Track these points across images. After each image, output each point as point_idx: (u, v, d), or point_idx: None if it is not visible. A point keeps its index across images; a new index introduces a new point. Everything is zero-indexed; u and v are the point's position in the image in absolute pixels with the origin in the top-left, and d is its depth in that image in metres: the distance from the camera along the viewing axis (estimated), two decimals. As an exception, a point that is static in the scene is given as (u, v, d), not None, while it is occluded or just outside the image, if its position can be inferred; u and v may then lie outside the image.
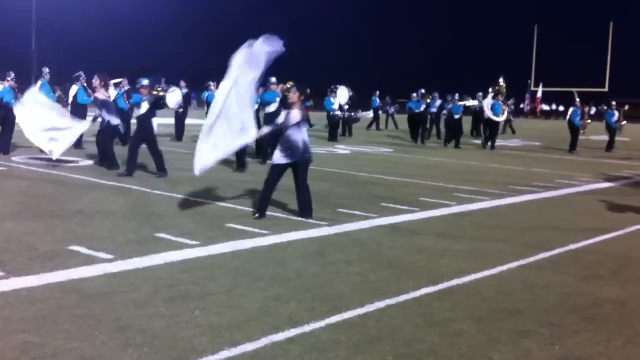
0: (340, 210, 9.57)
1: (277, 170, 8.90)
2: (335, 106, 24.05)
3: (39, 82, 16.60)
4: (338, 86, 25.57)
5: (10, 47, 51.88)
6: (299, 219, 8.78)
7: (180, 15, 71.90)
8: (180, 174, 12.64)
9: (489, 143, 23.26)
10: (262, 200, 8.91)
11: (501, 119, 24.02)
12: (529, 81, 64.36)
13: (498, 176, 14.73)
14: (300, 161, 8.81)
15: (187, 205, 9.56)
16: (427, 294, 5.82)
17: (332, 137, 23.76)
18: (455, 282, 6.21)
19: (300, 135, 8.77)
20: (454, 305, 5.54)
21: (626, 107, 25.39)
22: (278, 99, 15.31)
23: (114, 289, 5.57)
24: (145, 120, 12.02)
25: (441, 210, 10.00)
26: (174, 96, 16.05)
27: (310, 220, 8.67)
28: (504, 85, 29.36)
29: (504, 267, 6.81)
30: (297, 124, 8.72)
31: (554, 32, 68.13)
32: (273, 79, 15.63)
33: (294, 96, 8.91)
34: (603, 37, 63.08)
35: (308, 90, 9.31)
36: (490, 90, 27.23)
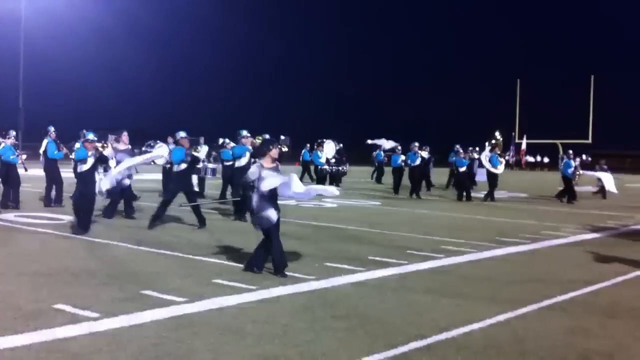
0: (328, 264, 9.55)
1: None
2: (323, 160, 24.24)
3: (45, 141, 16.75)
4: (325, 140, 25.84)
5: (-1, 104, 52.11)
6: (287, 273, 8.72)
7: (168, 77, 72.74)
8: (166, 230, 12.61)
9: (489, 197, 23.33)
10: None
11: (499, 171, 23.91)
12: (513, 133, 65.11)
13: (485, 228, 14.78)
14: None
15: (173, 261, 9.51)
16: (416, 348, 5.79)
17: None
18: (444, 336, 6.18)
19: (256, 197, 8.75)
20: None
21: (584, 157, 25.78)
22: (248, 153, 14.91)
23: (99, 348, 5.50)
24: (89, 176, 12.35)
25: (429, 263, 10.00)
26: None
27: (297, 275, 8.64)
28: (501, 138, 29.71)
29: (493, 320, 6.79)
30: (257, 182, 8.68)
31: (537, 85, 69.26)
32: (244, 132, 15.26)
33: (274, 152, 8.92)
34: (585, 90, 64.15)
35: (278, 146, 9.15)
36: (487, 144, 27.49)
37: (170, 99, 71.19)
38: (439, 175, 30.06)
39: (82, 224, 11.88)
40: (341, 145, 26.82)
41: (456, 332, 6.32)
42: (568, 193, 23.93)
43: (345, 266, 9.39)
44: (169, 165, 19.66)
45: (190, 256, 9.90)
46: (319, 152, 24.22)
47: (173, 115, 61.52)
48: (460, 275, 9.23)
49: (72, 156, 16.68)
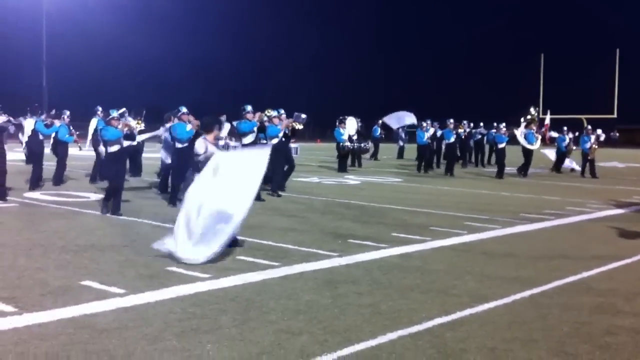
0: (351, 241, 9.57)
1: None
2: (345, 137, 24.12)
3: (58, 124, 16.84)
4: (347, 117, 25.65)
5: (22, 84, 52.55)
6: (310, 250, 8.78)
7: (186, 58, 72.78)
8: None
9: (523, 171, 23.47)
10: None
11: (535, 147, 23.81)
12: (537, 108, 64.47)
13: (509, 204, 14.70)
14: None
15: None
16: (440, 324, 5.80)
17: (342, 168, 23.79)
18: (467, 312, 6.18)
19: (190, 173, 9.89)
20: (467, 335, 5.51)
21: (599, 132, 25.58)
22: (255, 129, 14.50)
23: (126, 324, 5.57)
24: (122, 155, 12.10)
25: (452, 239, 9.98)
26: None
27: (320, 251, 8.67)
28: (536, 114, 29.23)
29: (517, 297, 6.77)
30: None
31: (561, 60, 68.38)
32: (249, 107, 14.61)
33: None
34: (610, 64, 63.24)
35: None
36: (522, 119, 27.20)
37: (190, 78, 71.23)
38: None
39: (117, 204, 11.51)
40: (361, 123, 26.55)
41: (480, 308, 6.31)
42: (582, 168, 24.40)
43: (368, 243, 9.40)
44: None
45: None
46: (341, 129, 24.09)
47: (191, 93, 61.59)
48: (484, 251, 9.20)
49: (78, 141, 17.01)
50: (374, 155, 32.11)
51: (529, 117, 29.33)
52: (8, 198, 12.95)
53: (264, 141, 14.60)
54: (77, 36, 59.01)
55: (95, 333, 5.30)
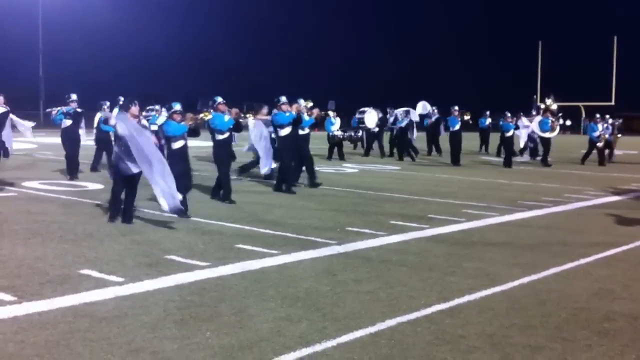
0: (349, 229, 9.58)
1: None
2: (335, 127, 23.87)
3: (99, 115, 17.06)
4: (367, 109, 25.28)
5: (19, 73, 52.41)
6: (309, 238, 8.80)
7: (184, 46, 72.51)
8: (188, 196, 12.68)
9: (543, 161, 23.15)
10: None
11: (551, 135, 23.43)
12: (535, 96, 64.42)
13: (507, 192, 14.71)
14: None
15: (196, 226, 9.59)
16: (439, 311, 5.81)
17: (330, 156, 23.69)
18: (466, 298, 6.20)
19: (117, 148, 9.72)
20: (465, 322, 5.53)
21: (619, 121, 25.41)
22: (292, 121, 14.01)
23: (125, 312, 5.58)
24: (185, 152, 10.96)
25: (450, 227, 9.99)
26: None
27: (319, 239, 8.68)
28: (553, 102, 28.81)
29: (515, 283, 6.79)
30: None
31: (559, 47, 68.28)
32: (283, 98, 14.11)
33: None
34: (608, 51, 63.18)
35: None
36: (541, 105, 26.94)
37: (185, 67, 71.05)
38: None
39: (184, 205, 10.19)
40: (381, 114, 26.02)
41: (478, 294, 6.33)
42: (586, 156, 24.19)
43: (367, 230, 9.41)
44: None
45: (213, 221, 9.97)
46: (332, 119, 23.81)
47: (189, 83, 61.45)
48: (482, 238, 9.22)
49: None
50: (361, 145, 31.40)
51: (546, 104, 28.89)
52: (7, 187, 12.95)
53: (302, 132, 14.58)
54: (73, 25, 58.85)
55: (94, 321, 5.31)
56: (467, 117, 24.22)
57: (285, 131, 13.99)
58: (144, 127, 10.42)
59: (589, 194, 14.60)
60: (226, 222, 9.96)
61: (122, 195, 9.85)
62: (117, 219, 9.79)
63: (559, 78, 63.30)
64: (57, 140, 17.02)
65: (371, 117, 25.07)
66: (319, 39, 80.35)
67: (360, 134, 26.57)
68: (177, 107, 10.72)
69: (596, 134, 23.64)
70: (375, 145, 26.27)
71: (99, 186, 13.99)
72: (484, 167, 22.42)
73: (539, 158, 24.31)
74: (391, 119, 25.89)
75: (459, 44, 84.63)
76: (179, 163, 10.47)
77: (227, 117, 12.06)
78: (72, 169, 15.34)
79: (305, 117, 14.61)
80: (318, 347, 4.85)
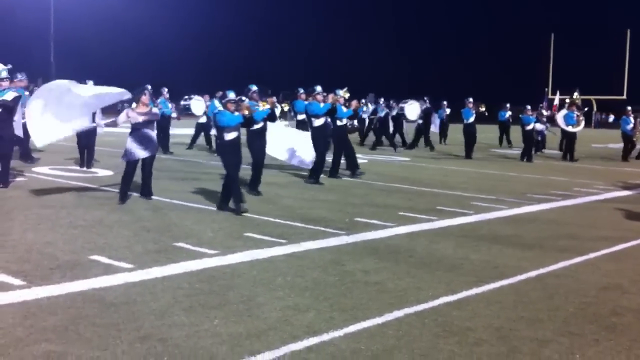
0: (358, 219, 9.58)
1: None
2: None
3: (159, 100, 17.78)
4: (409, 101, 24.81)
5: (30, 59, 52.48)
6: (317, 228, 8.81)
7: (195, 34, 72.34)
8: (198, 184, 12.73)
9: (569, 156, 22.55)
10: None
11: (576, 129, 22.78)
12: (546, 89, 64.11)
13: (516, 185, 14.67)
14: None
15: (205, 214, 9.61)
16: (446, 303, 5.82)
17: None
18: (474, 291, 6.20)
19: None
20: (473, 314, 5.53)
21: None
22: (327, 111, 13.78)
23: (134, 298, 5.61)
24: (238, 144, 10.39)
25: (459, 219, 9.98)
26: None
27: (327, 229, 8.69)
28: (579, 96, 28.12)
29: (523, 277, 6.78)
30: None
31: (571, 40, 67.85)
32: (318, 88, 14.01)
33: None
34: (620, 45, 62.72)
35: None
36: (566, 100, 26.23)
37: (193, 56, 70.95)
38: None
39: (237, 196, 9.87)
40: (427, 105, 25.36)
41: (486, 287, 6.33)
42: (624, 150, 23.45)
43: (375, 221, 9.42)
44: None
45: (222, 210, 9.98)
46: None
47: (195, 72, 61.44)
48: (490, 231, 9.20)
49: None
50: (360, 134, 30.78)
51: (572, 98, 28.02)
52: (17, 173, 13.01)
53: (340, 122, 14.49)
54: (84, 11, 58.75)
55: (103, 307, 5.35)
56: (482, 109, 23.54)
57: (319, 121, 13.82)
58: (154, 114, 10.60)
59: (598, 188, 14.54)
60: (236, 210, 9.97)
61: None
62: (126, 200, 10.34)
63: (571, 71, 62.92)
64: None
65: (413, 109, 24.57)
66: (324, 29, 79.99)
67: (357, 124, 25.42)
68: (232, 95, 10.20)
69: (630, 126, 23.08)
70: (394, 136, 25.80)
71: (109, 172, 14.04)
72: (495, 159, 22.34)
73: (545, 151, 24.07)
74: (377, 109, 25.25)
75: (467, 36, 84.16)
76: (230, 154, 10.06)
77: (262, 107, 11.65)
78: (83, 159, 14.69)
79: (344, 108, 14.46)
80: (325, 337, 4.87)
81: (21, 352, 4.42)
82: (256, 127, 11.71)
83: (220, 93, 19.54)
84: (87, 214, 9.29)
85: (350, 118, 15.11)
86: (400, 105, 25.26)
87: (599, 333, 5.19)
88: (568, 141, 23.06)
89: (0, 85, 11.49)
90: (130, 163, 10.42)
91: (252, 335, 4.85)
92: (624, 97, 60.89)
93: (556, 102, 26.50)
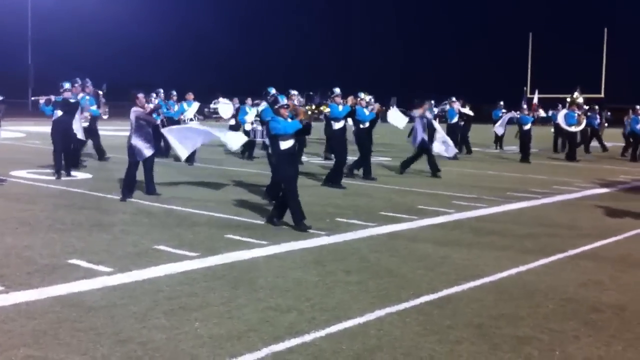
0: (339, 219, 9.58)
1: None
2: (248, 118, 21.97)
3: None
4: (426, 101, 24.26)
5: (7, 61, 51.95)
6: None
7: (178, 31, 72.00)
8: (179, 186, 12.67)
9: (571, 157, 22.17)
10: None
11: (577, 129, 22.56)
12: (525, 88, 64.50)
13: (496, 183, 14.74)
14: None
15: (185, 217, 9.57)
16: (427, 302, 5.83)
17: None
18: (454, 289, 6.22)
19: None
20: (454, 312, 5.55)
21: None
22: (346, 114, 13.65)
23: (114, 302, 5.57)
24: (293, 154, 9.67)
25: (440, 218, 10.01)
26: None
27: (309, 230, 8.68)
28: (579, 95, 27.77)
29: (504, 274, 6.82)
30: None
31: (549, 39, 68.35)
32: (337, 90, 13.71)
33: None
34: (598, 43, 63.33)
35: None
36: (567, 99, 25.94)
37: (175, 55, 70.57)
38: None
39: (298, 215, 8.95)
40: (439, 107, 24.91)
41: (467, 285, 6.35)
42: (633, 150, 22.77)
43: (356, 221, 9.42)
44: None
45: (203, 212, 9.94)
46: (246, 108, 20.78)
47: (178, 71, 61.13)
48: (471, 229, 9.24)
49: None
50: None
51: (572, 97, 27.71)
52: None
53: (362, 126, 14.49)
54: (62, 12, 58.27)
55: (83, 311, 5.30)
56: (466, 110, 23.25)
57: (338, 124, 13.62)
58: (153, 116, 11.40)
59: (577, 185, 14.66)
60: (215, 212, 9.94)
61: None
62: (129, 198, 10.76)
63: (549, 70, 63.39)
64: (46, 129, 16.88)
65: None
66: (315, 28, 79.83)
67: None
68: (284, 100, 9.37)
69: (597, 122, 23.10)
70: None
71: (88, 175, 13.94)
72: (477, 158, 22.43)
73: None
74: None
75: (445, 35, 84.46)
76: (286, 165, 9.10)
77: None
78: (60, 165, 13.42)
79: (366, 111, 14.39)
80: (307, 337, 4.86)
81: (0, 357, 4.37)
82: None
83: (250, 99, 19.40)
84: (66, 218, 9.21)
85: (372, 122, 15.02)
86: (441, 107, 23.81)
87: (578, 329, 5.23)
88: (569, 141, 22.66)
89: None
90: (134, 163, 10.94)
91: (233, 336, 4.83)
92: (602, 95, 61.47)
93: (535, 101, 26.59)
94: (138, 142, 10.91)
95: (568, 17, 75.94)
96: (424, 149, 15.82)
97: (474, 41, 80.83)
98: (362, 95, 14.55)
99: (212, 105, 21.88)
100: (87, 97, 15.75)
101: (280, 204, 9.20)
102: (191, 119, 16.60)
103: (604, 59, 62.94)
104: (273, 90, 12.34)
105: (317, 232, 8.59)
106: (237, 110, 20.72)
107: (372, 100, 15.23)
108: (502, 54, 74.24)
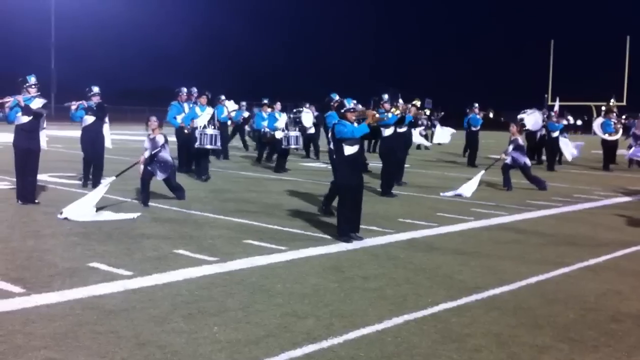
0: (358, 226, 9.56)
1: None
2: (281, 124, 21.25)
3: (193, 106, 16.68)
4: (529, 110, 23.30)
5: (31, 65, 52.59)
6: (317, 234, 8.81)
7: (195, 37, 72.45)
8: (197, 192, 12.73)
9: (605, 166, 21.78)
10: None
11: (614, 137, 21.89)
12: (546, 95, 64.18)
13: (516, 191, 14.65)
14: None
15: (205, 222, 9.61)
16: (445, 309, 5.81)
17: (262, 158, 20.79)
18: (473, 297, 6.19)
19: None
20: (472, 321, 5.52)
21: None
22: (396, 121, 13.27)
23: (133, 305, 5.61)
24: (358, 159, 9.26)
25: (459, 225, 9.98)
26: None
27: (327, 236, 8.69)
28: (615, 103, 27.12)
29: (523, 283, 6.78)
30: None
31: (571, 47, 68.00)
32: (385, 96, 13.71)
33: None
34: (620, 51, 62.88)
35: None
36: (602, 108, 25.37)
37: (199, 60, 71.04)
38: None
39: (355, 225, 8.74)
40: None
41: (486, 293, 6.33)
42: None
43: (375, 228, 9.41)
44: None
45: (221, 216, 9.99)
46: (263, 114, 20.42)
47: (202, 76, 61.49)
48: (490, 237, 9.20)
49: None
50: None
51: (608, 105, 27.00)
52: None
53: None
54: (85, 16, 58.96)
55: (102, 314, 5.34)
56: (491, 115, 22.76)
57: (388, 131, 13.36)
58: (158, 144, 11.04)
59: (598, 194, 14.54)
60: (234, 217, 9.98)
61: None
62: (148, 205, 10.82)
63: (571, 77, 63.03)
64: (68, 133, 17.05)
65: (531, 119, 21.69)
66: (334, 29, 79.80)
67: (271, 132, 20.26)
68: (351, 104, 9.06)
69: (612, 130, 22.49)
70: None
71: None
72: (496, 167, 22.26)
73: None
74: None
75: (468, 41, 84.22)
76: (349, 172, 8.69)
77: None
78: (87, 174, 13.15)
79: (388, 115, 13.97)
80: (324, 344, 4.86)
81: (20, 359, 4.41)
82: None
83: (266, 101, 19.28)
84: (87, 222, 9.28)
85: (398, 124, 14.25)
86: (520, 116, 22.35)
87: (598, 339, 5.19)
88: (606, 150, 21.97)
89: (28, 92, 10.86)
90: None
91: (250, 342, 4.84)
92: (624, 103, 61.00)
93: (556, 108, 26.32)
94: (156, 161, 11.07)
95: (591, 24, 75.46)
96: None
97: (496, 48, 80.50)
98: (416, 101, 14.73)
99: (292, 115, 21.76)
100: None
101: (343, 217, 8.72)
102: (205, 126, 14.95)
103: (626, 67, 62.42)
104: (337, 96, 12.19)
105: (335, 238, 8.59)
106: (248, 117, 20.90)
107: (358, 104, 14.66)
108: (523, 60, 73.90)
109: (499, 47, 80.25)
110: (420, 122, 27.92)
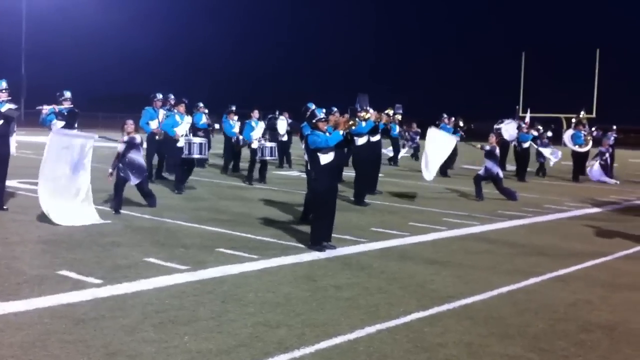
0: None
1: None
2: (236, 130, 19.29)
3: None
4: (505, 120, 23.17)
5: (1, 70, 51.95)
6: (289, 243, 8.79)
7: (171, 42, 72.18)
8: (170, 200, 12.64)
9: (575, 178, 21.73)
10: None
11: (584, 149, 22.11)
12: (517, 107, 64.83)
13: (487, 201, 14.76)
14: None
15: (177, 230, 9.54)
16: (418, 319, 5.83)
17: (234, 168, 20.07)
18: (445, 307, 6.22)
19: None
20: (444, 330, 5.54)
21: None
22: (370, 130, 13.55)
23: (103, 314, 5.54)
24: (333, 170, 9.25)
25: (431, 235, 10.02)
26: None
27: (299, 245, 8.67)
28: (585, 115, 27.28)
29: (494, 292, 6.82)
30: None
31: (542, 59, 68.86)
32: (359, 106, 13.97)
33: None
34: (590, 64, 63.79)
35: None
36: (572, 120, 25.48)
37: (169, 65, 70.76)
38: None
39: (329, 228, 8.81)
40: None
41: (458, 303, 6.35)
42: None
43: (347, 237, 9.41)
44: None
45: (194, 225, 9.92)
46: (230, 121, 19.26)
47: (172, 81, 61.22)
48: (462, 247, 9.25)
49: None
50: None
51: (578, 117, 27.16)
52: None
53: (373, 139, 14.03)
54: (57, 23, 58.44)
55: (71, 323, 5.27)
56: (461, 124, 22.68)
57: (361, 141, 13.50)
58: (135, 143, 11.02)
59: (568, 205, 14.70)
60: (207, 225, 9.92)
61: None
62: (120, 212, 10.74)
63: (541, 89, 63.82)
64: (37, 139, 16.82)
65: (508, 129, 22.70)
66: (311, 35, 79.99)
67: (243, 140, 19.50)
68: (321, 114, 9.06)
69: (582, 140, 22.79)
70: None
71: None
72: (469, 176, 22.45)
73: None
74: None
75: (439, 53, 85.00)
76: (326, 180, 8.73)
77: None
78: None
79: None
80: (296, 353, 4.84)
81: (-14, 369, 4.34)
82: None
83: (256, 112, 18.74)
84: (56, 229, 9.17)
85: (372, 133, 13.90)
86: (496, 127, 22.92)
87: (568, 349, 5.23)
88: (576, 161, 22.25)
89: None
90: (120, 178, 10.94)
91: (222, 351, 4.81)
92: (594, 115, 61.81)
93: (527, 120, 26.47)
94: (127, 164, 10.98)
95: (561, 37, 76.54)
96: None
97: (466, 60, 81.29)
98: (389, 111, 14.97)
99: (267, 122, 21.36)
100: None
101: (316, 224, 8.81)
102: (184, 135, 14.55)
103: (595, 79, 63.33)
104: (313, 106, 12.04)
105: (308, 247, 8.58)
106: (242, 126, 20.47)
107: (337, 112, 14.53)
108: (494, 72, 74.75)
109: (470, 58, 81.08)
110: (403, 144, 28.03)
